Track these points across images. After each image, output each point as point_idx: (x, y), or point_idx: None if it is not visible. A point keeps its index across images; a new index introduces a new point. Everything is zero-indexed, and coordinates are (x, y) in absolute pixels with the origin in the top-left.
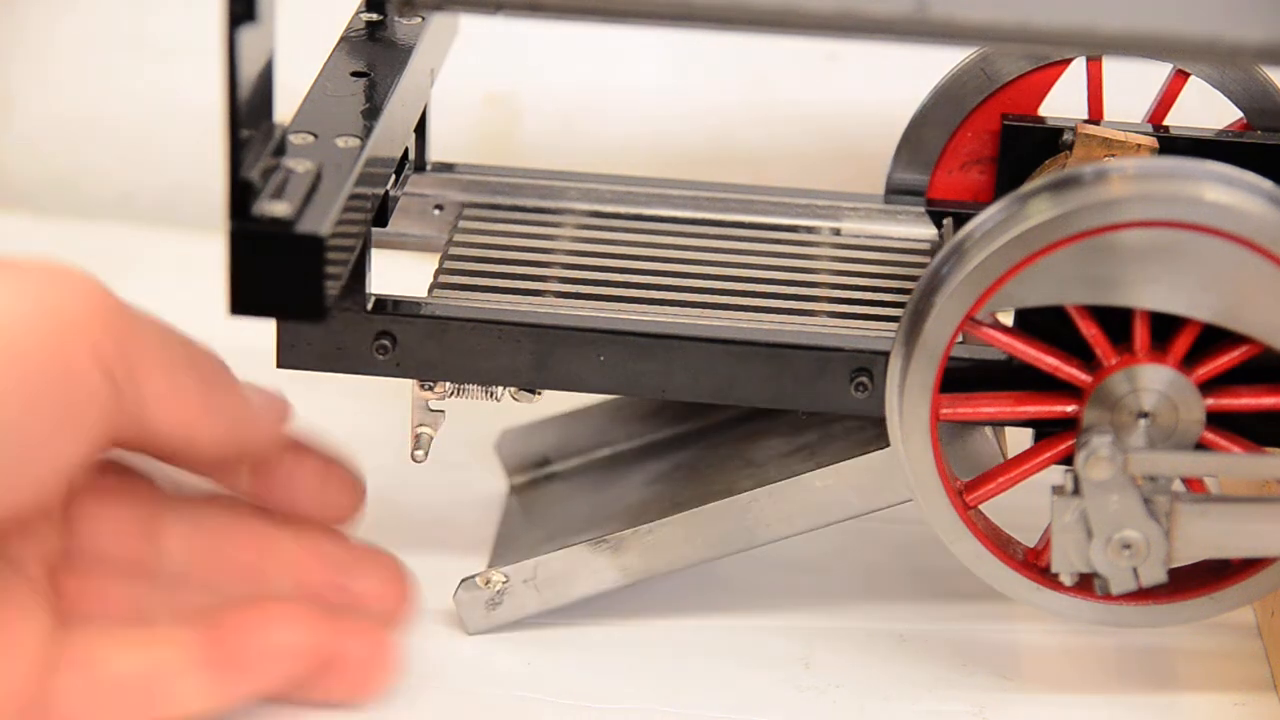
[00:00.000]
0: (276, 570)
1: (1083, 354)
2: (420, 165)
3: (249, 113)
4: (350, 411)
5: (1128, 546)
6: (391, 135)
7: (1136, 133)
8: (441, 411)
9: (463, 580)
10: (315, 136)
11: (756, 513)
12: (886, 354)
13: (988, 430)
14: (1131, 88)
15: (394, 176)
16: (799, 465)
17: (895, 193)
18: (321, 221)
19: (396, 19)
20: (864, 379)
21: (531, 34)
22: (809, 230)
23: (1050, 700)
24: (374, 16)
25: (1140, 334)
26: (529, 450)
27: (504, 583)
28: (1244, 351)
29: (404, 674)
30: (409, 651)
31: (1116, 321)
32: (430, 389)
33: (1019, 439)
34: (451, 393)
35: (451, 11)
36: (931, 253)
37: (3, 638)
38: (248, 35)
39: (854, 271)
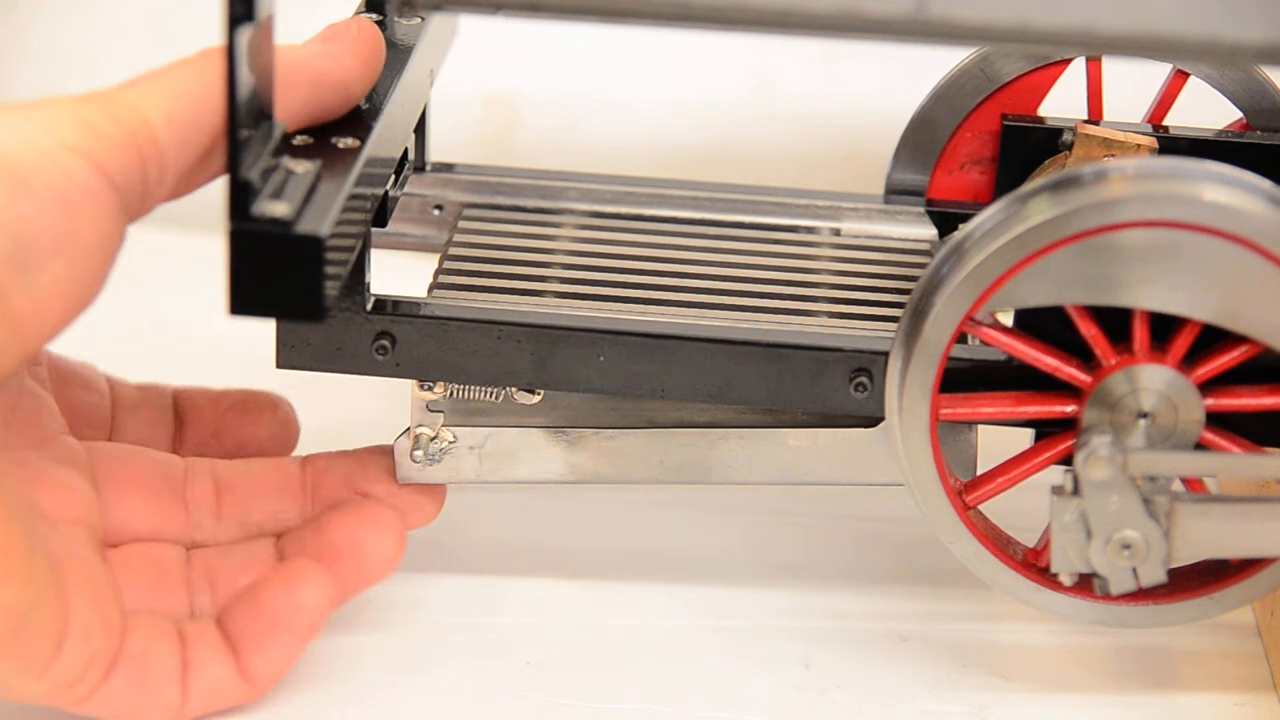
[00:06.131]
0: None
1: (1082, 354)
2: (420, 165)
3: (249, 113)
4: (349, 411)
5: (1127, 547)
6: (391, 135)
7: (1136, 133)
8: (441, 412)
9: (408, 429)
10: (315, 137)
11: (723, 451)
12: (886, 354)
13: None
14: (1131, 88)
15: (394, 176)
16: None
17: (895, 193)
18: (321, 222)
19: (396, 19)
20: (864, 379)
21: (531, 34)
22: (809, 230)
23: (1050, 700)
24: (374, 16)
25: (1140, 334)
26: None
27: (450, 443)
28: (1244, 351)
29: (403, 675)
30: (409, 652)
31: (1116, 321)
32: (430, 389)
33: (1018, 439)
34: (452, 393)
35: (451, 11)
36: (931, 253)
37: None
38: (248, 35)
39: (854, 272)
